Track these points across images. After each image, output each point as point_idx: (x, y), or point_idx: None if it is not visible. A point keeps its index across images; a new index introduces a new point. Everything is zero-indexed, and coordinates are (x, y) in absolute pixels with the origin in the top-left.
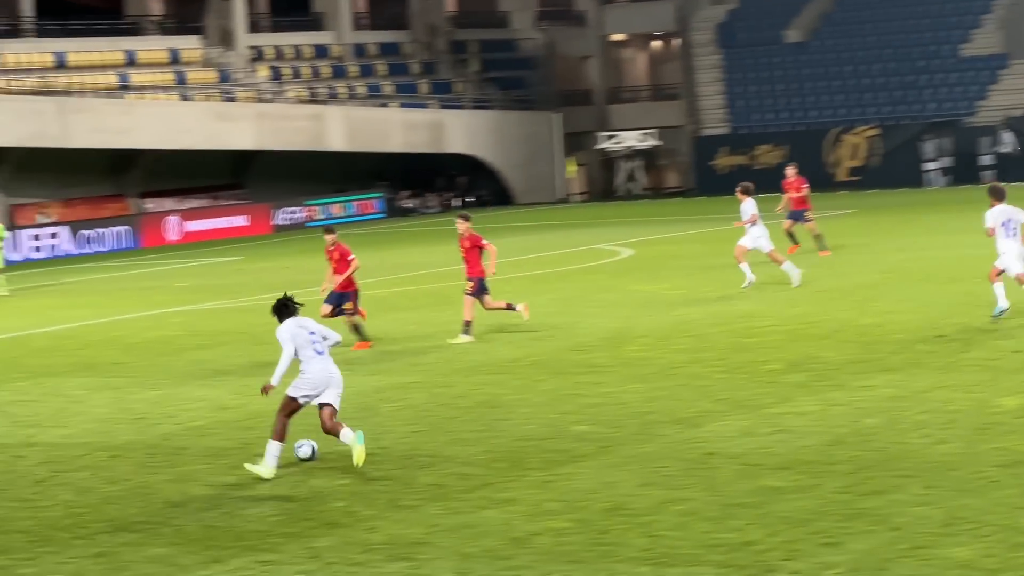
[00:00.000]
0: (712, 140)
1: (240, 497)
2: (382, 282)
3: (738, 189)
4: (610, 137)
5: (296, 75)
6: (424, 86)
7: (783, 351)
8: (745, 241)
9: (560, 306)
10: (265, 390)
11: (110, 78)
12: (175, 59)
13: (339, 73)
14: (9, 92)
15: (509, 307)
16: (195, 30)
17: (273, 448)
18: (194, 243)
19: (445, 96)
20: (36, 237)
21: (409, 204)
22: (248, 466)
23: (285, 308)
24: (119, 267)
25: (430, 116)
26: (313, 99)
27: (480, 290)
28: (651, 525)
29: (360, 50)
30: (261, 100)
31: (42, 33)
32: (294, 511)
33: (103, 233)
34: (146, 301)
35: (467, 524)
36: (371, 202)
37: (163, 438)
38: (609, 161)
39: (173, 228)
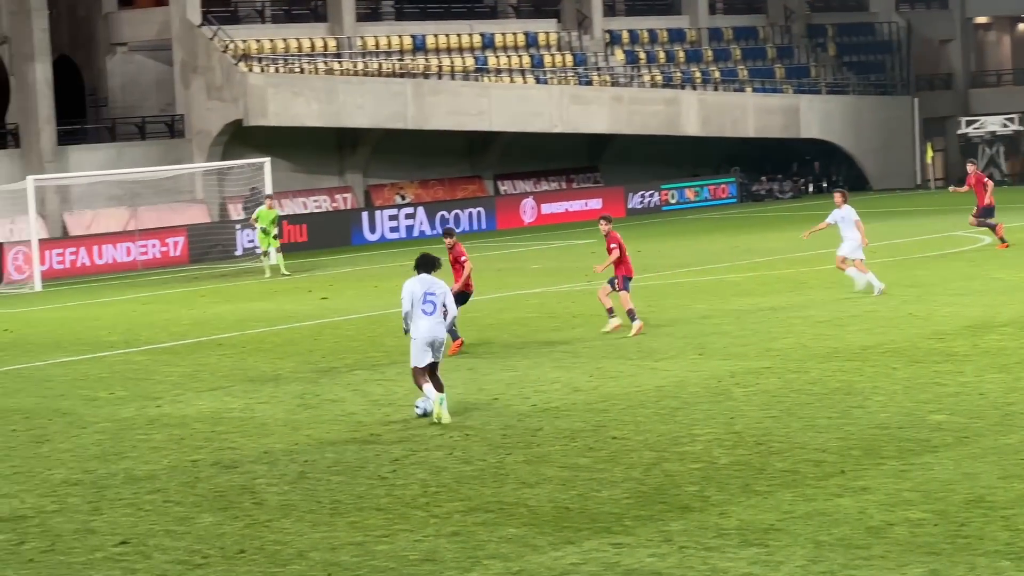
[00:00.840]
0: None
1: (593, 479)
2: (735, 267)
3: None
4: (971, 122)
5: (651, 59)
6: (780, 70)
7: None
8: None
9: (918, 293)
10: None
11: (467, 61)
12: (531, 42)
13: (694, 57)
14: (368, 74)
15: (610, 311)
16: (552, 14)
17: (428, 393)
18: (548, 225)
19: (801, 80)
20: (393, 218)
21: (763, 189)
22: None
23: (420, 264)
24: (474, 249)
25: (785, 101)
26: (668, 83)
27: (623, 286)
28: (1013, 519)
29: (716, 34)
30: (616, 84)
31: (401, 16)
32: (647, 494)
33: (459, 215)
34: (501, 283)
35: (821, 511)
36: (724, 187)
37: (517, 419)
38: (969, 147)
39: (528, 210)
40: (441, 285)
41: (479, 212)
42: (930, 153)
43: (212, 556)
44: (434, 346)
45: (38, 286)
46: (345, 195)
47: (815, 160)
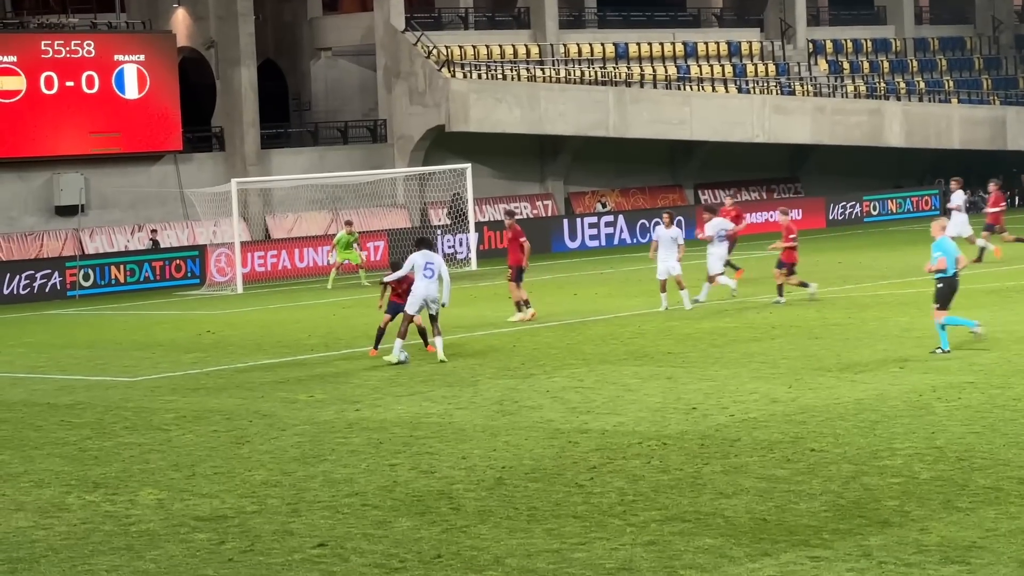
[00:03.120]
0: None
1: (791, 491)
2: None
3: None
4: None
5: (855, 69)
6: (987, 81)
7: None
8: None
9: None
10: (382, 282)
11: (669, 69)
12: (734, 52)
13: (899, 67)
14: (570, 82)
15: (521, 304)
16: (755, 23)
17: (398, 344)
18: (749, 235)
19: (1008, 92)
20: (593, 225)
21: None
22: (385, 357)
23: (420, 242)
24: None
25: (992, 112)
26: (871, 94)
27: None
28: None
29: (921, 44)
30: (819, 94)
31: (603, 24)
32: (846, 508)
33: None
34: (699, 291)
35: None
36: (927, 198)
37: (715, 429)
38: None
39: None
40: (438, 258)
41: (679, 220)
42: None
43: (409, 560)
44: (427, 300)
45: (240, 288)
46: (546, 202)
47: (1021, 173)
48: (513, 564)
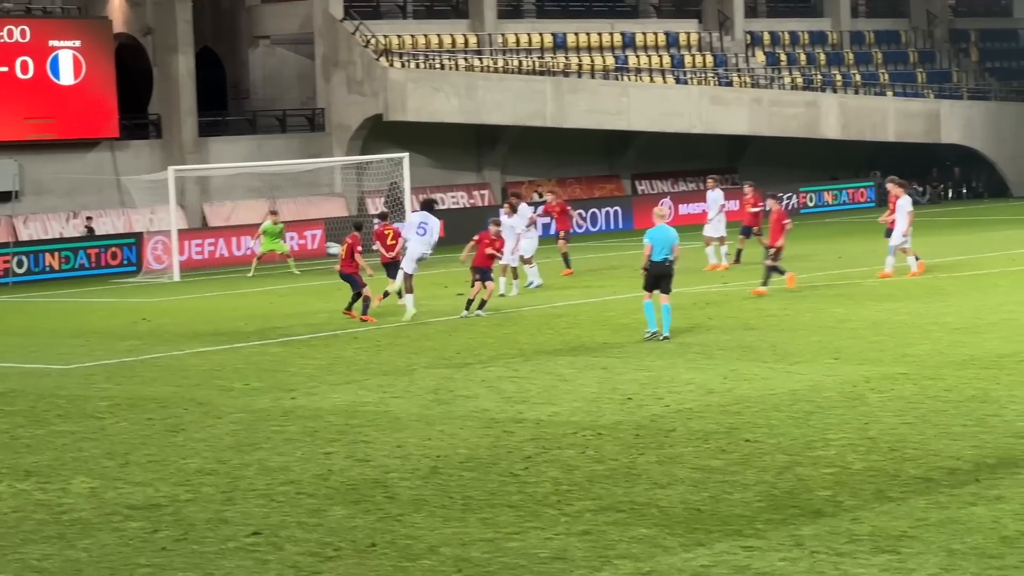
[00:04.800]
0: None
1: (725, 482)
2: (872, 271)
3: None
4: None
5: (792, 61)
6: (921, 75)
7: None
8: None
9: None
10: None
11: (607, 60)
12: (672, 42)
13: (835, 60)
14: (508, 72)
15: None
16: (693, 14)
17: (409, 299)
18: (686, 226)
19: (942, 85)
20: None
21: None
22: (405, 316)
23: (424, 204)
24: (611, 248)
25: (926, 105)
26: (808, 86)
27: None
28: None
29: (857, 37)
30: (756, 86)
31: (541, 14)
32: (779, 498)
33: (596, 213)
34: (636, 283)
35: (954, 520)
36: (863, 191)
37: (650, 419)
38: None
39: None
40: (434, 220)
41: (616, 211)
42: None
43: (344, 549)
44: (422, 260)
45: (177, 276)
46: (483, 192)
47: (955, 166)
48: (447, 553)
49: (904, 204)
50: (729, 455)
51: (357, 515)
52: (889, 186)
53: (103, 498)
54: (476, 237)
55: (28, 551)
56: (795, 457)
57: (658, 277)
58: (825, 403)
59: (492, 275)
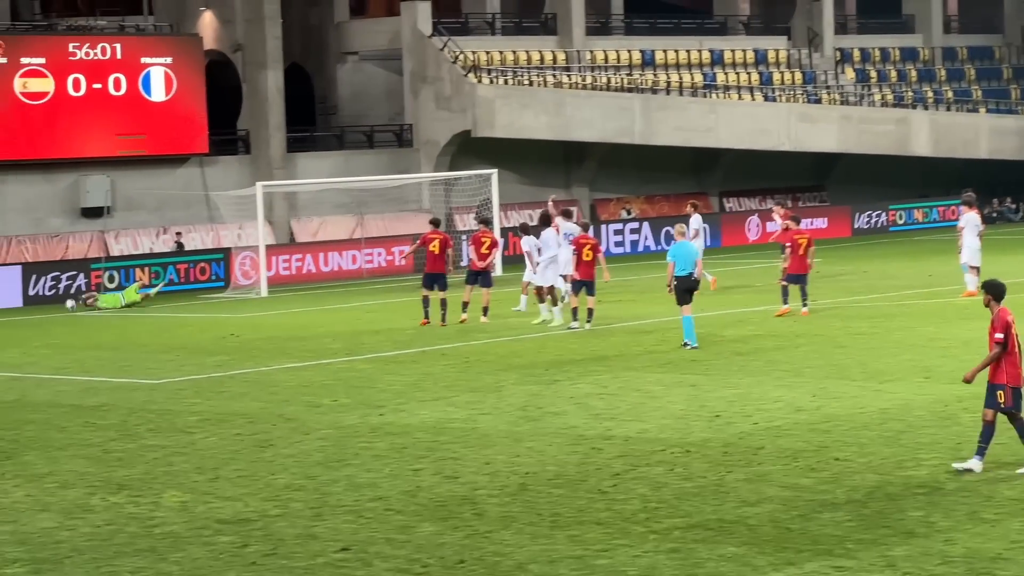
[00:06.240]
0: None
1: (815, 500)
2: (963, 289)
3: None
4: None
5: (882, 78)
6: (1015, 91)
7: None
8: None
9: None
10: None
11: (695, 77)
12: (760, 59)
13: (926, 76)
14: (596, 88)
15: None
16: (782, 31)
17: (553, 309)
18: (773, 243)
19: None
20: (618, 232)
21: (994, 211)
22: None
23: (563, 214)
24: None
25: (1020, 122)
26: (899, 103)
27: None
28: None
29: (950, 53)
30: (846, 102)
31: (630, 31)
32: (870, 518)
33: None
34: (725, 300)
35: None
36: (954, 208)
37: (739, 437)
38: None
39: (753, 228)
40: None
41: (704, 228)
42: None
43: (432, 565)
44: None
45: (264, 292)
46: (571, 208)
47: None
48: (535, 570)
49: (969, 220)
50: (819, 473)
51: (445, 532)
52: (963, 206)
53: (194, 512)
54: (572, 247)
55: (121, 564)
56: (886, 476)
57: (688, 291)
58: (916, 422)
59: (595, 287)
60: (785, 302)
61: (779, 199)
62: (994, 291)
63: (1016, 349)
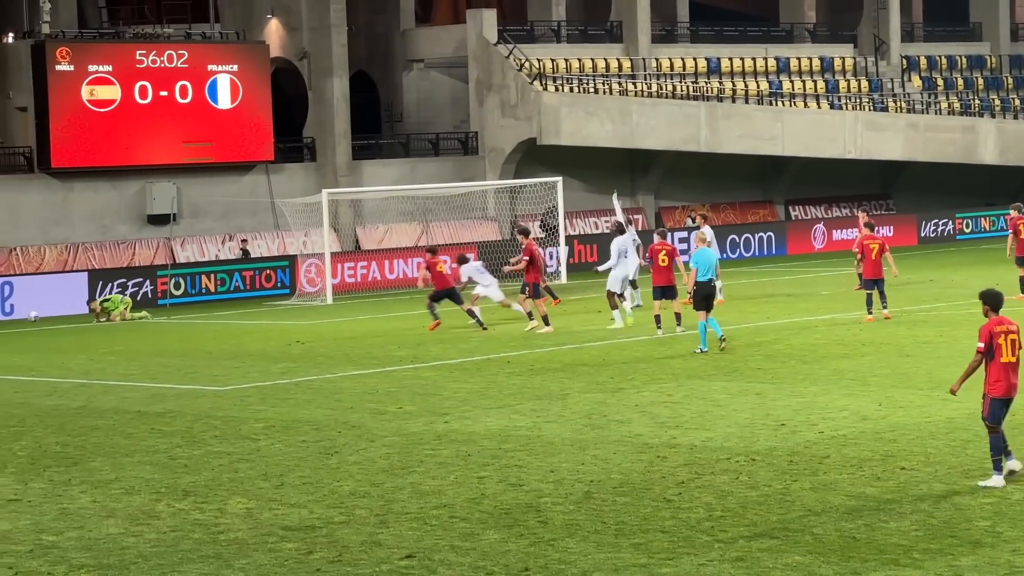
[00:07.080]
0: None
1: (881, 510)
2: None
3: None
4: None
5: (949, 85)
6: None
7: None
8: None
9: None
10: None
11: (761, 85)
12: (827, 67)
13: (993, 84)
14: (662, 96)
15: (530, 315)
16: (848, 39)
17: (616, 314)
18: (839, 252)
19: None
20: (684, 240)
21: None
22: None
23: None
24: (764, 273)
25: None
26: (966, 111)
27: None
28: None
29: (1017, 61)
30: (912, 110)
31: (695, 39)
32: (936, 528)
33: (749, 238)
34: (791, 308)
35: None
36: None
37: (804, 446)
38: None
39: (819, 236)
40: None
41: (769, 237)
42: None
43: (496, 573)
44: (625, 281)
45: (329, 299)
46: (637, 216)
47: None
48: None
49: None
50: (884, 483)
51: (510, 539)
52: (1012, 212)
53: (259, 519)
54: (648, 255)
55: (186, 570)
56: (952, 486)
57: (706, 297)
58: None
59: (676, 292)
60: (870, 311)
61: (864, 206)
62: (990, 300)
63: (1003, 359)
